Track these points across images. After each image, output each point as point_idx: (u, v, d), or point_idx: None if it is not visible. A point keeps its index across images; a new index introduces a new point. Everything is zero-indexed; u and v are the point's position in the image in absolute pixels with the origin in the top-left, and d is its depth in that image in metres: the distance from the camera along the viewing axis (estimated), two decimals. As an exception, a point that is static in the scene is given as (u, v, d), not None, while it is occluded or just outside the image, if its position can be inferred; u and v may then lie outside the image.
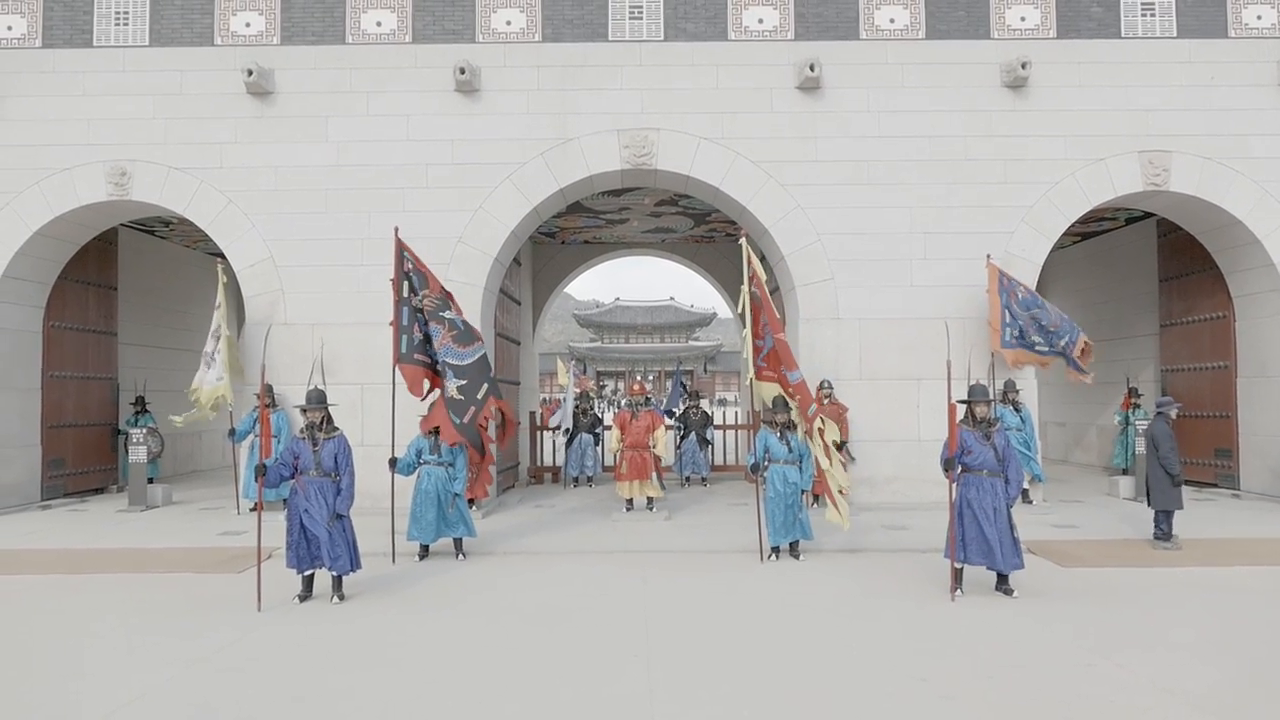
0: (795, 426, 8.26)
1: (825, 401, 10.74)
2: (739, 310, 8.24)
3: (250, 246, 11.04)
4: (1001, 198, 11.08)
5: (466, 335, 8.37)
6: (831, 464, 8.02)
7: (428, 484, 8.19)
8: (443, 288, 8.44)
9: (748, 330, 8.28)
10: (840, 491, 8.05)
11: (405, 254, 8.40)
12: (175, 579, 7.59)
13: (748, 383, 8.68)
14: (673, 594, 6.91)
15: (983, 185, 11.09)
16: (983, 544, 6.75)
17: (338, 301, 10.96)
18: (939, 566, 7.68)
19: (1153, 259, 14.46)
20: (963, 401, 7.05)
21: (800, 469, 8.24)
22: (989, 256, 10.83)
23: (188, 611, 6.49)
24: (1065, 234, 15.51)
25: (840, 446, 10.47)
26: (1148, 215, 14.31)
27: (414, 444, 8.25)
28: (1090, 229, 15.43)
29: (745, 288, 8.22)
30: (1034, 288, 11.02)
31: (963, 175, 11.07)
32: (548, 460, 15.85)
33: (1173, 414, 8.66)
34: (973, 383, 7.34)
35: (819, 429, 8.02)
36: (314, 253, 11.01)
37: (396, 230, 8.64)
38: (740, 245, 8.45)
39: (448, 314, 8.36)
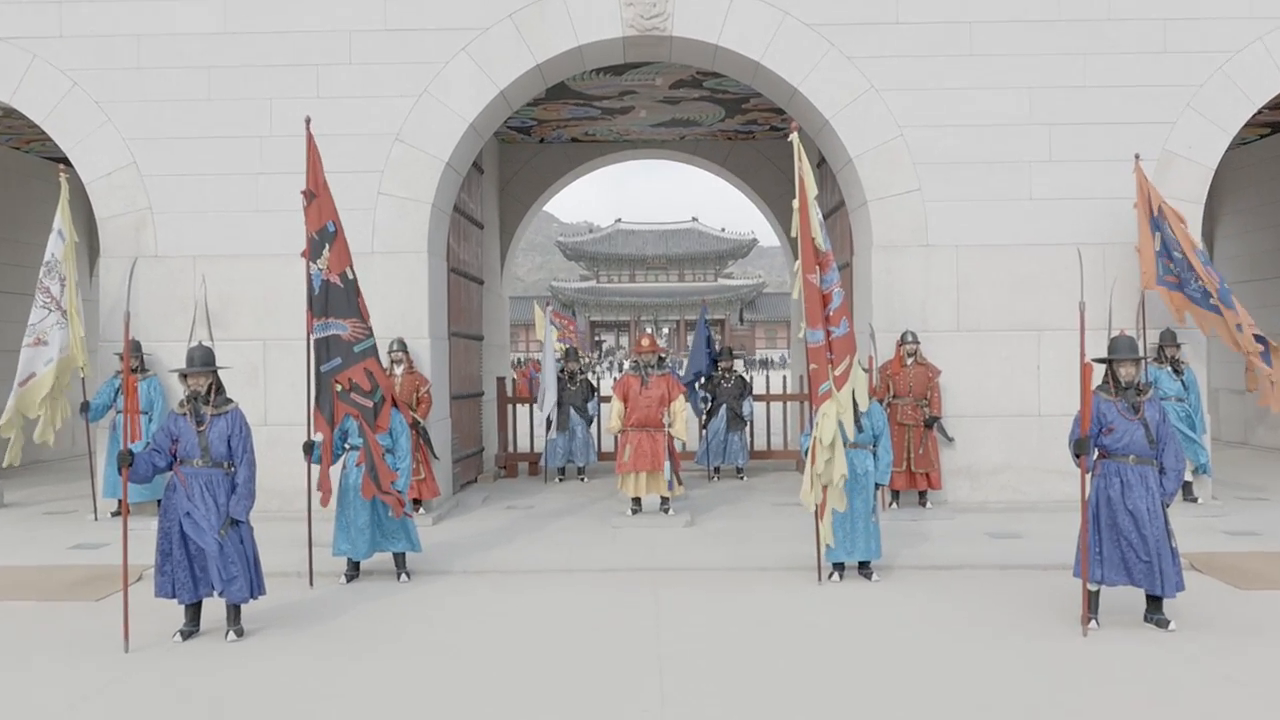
0: (870, 397, 8.31)
1: (909, 361, 10.71)
2: (792, 233, 8.15)
3: (105, 149, 10.97)
4: (1158, 73, 10.93)
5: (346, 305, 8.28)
6: (831, 458, 7.83)
7: (358, 478, 8.22)
8: (336, 216, 8.34)
9: (799, 262, 8.19)
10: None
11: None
12: (7, 610, 7.57)
13: (800, 336, 8.54)
14: (696, 630, 6.92)
15: (1132, 56, 10.94)
16: (1128, 557, 6.73)
17: (229, 225, 10.91)
18: (1066, 588, 7.66)
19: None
20: (1101, 360, 6.98)
21: (875, 454, 8.28)
22: (1138, 157, 10.69)
23: (24, 655, 6.46)
24: (1247, 125, 15.21)
25: (930, 424, 10.51)
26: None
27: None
28: (1282, 118, 15.15)
29: (796, 203, 8.15)
30: (1203, 200, 10.83)
31: (1104, 42, 10.92)
32: (523, 444, 15.88)
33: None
34: (1115, 334, 7.24)
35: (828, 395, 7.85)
36: (194, 157, 10.94)
37: (308, 123, 8.56)
38: (791, 143, 8.28)
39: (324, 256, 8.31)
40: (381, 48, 10.94)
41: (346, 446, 8.30)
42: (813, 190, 8.16)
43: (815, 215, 8.10)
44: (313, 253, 8.18)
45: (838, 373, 7.93)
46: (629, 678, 5.92)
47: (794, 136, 8.30)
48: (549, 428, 13.80)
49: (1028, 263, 10.96)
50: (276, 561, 8.32)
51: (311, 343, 8.15)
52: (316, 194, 8.25)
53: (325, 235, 8.19)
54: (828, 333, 7.93)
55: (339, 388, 8.10)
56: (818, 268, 8.02)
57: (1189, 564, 8.24)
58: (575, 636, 6.79)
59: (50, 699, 5.68)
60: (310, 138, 8.35)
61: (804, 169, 8.12)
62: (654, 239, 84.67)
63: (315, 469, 8.37)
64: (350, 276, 8.25)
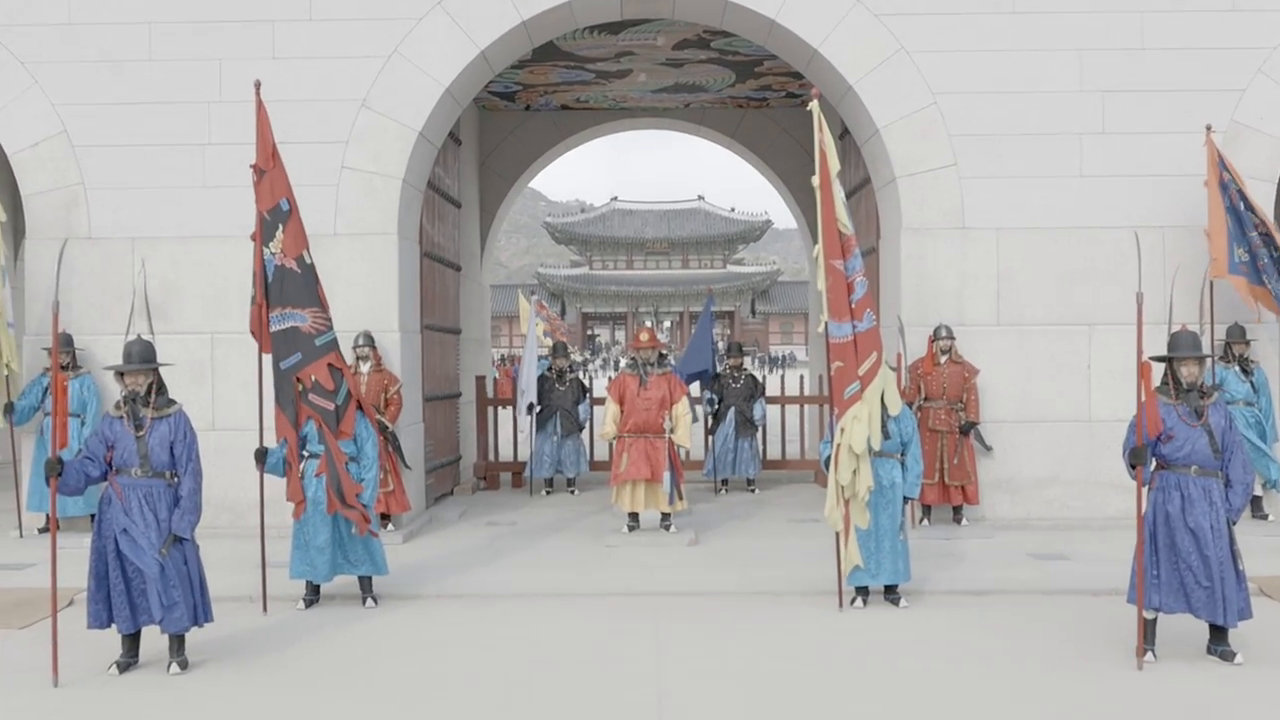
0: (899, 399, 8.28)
1: (942, 359, 10.72)
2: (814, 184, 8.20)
3: (31, 115, 10.95)
4: (1225, 35, 10.93)
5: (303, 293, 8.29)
6: (857, 468, 7.92)
7: (318, 491, 8.21)
8: (290, 193, 8.33)
9: (820, 246, 8.20)
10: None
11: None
12: (-76, 637, 7.55)
13: (820, 330, 8.56)
14: (701, 664, 6.89)
15: (1196, 15, 10.94)
16: (1187, 581, 6.73)
17: (173, 203, 10.89)
18: (1119, 616, 7.63)
19: None
20: (1161, 359, 6.97)
21: (904, 463, 8.28)
22: (1210, 129, 10.69)
23: (-58, 688, 6.46)
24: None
25: (966, 431, 10.51)
26: None
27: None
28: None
29: (816, 179, 8.18)
30: (1277, 179, 10.83)
31: (1165, -2, 10.92)
32: (505, 453, 15.86)
33: None
34: (1177, 329, 7.23)
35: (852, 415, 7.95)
36: (133, 125, 10.93)
37: (258, 88, 8.50)
38: (811, 111, 8.26)
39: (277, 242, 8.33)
40: (346, 2, 10.91)
41: (305, 454, 8.29)
42: (835, 165, 8.19)
43: (838, 193, 8.11)
44: (265, 235, 8.16)
45: (863, 371, 7.96)
46: (626, 716, 5.90)
47: (814, 104, 8.28)
48: (531, 422, 13.82)
49: (1078, 248, 10.94)
50: (226, 584, 8.27)
51: (269, 335, 8.15)
52: (268, 169, 8.24)
53: (278, 215, 8.18)
54: (853, 326, 7.96)
55: (300, 387, 8.10)
56: (840, 250, 8.02)
57: (1257, 589, 8.16)
58: (564, 670, 6.77)
59: (-31, 740, 5.69)
60: (260, 104, 8.32)
61: (826, 140, 8.12)
62: (654, 220, 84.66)
63: (273, 480, 8.35)
64: (308, 261, 8.25)
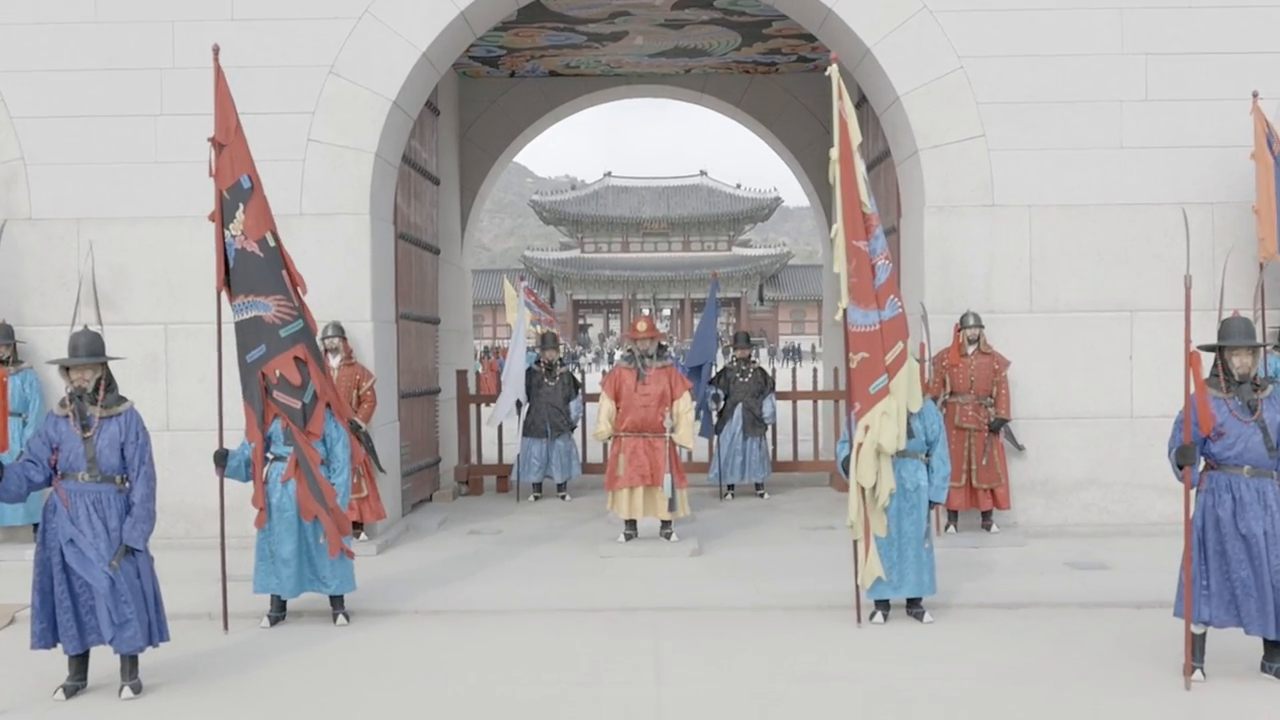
0: (923, 394, 8.34)
1: (970, 350, 10.73)
2: (830, 179, 8.19)
3: (-35, 84, 10.93)
4: (1282, -10, 10.92)
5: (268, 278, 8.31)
6: (876, 485, 7.97)
7: (282, 497, 8.24)
8: (253, 171, 8.35)
9: (839, 226, 8.19)
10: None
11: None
12: None
13: (838, 318, 8.55)
14: (705, 685, 6.89)
15: (1250, -33, 10.93)
16: (1240, 593, 6.74)
17: (122, 180, 10.89)
18: (1164, 631, 7.63)
19: None
20: (1210, 348, 6.98)
21: (929, 465, 8.32)
22: (1256, 95, 10.67)
23: None
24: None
25: (996, 429, 10.53)
26: None
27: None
28: None
29: (835, 152, 8.16)
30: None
31: (1215, -50, 10.91)
32: (489, 454, 15.88)
33: None
34: (1228, 315, 7.23)
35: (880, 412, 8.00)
36: (78, 94, 10.91)
37: (216, 53, 8.48)
38: (829, 78, 8.28)
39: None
40: (311, -42, 10.92)
41: (269, 456, 8.31)
42: (856, 136, 8.20)
43: (860, 167, 8.12)
44: (224, 215, 8.15)
45: (889, 361, 7.98)
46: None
47: (833, 69, 8.29)
48: (518, 421, 13.82)
49: (1118, 227, 10.95)
50: (183, 600, 8.28)
51: (233, 326, 8.18)
52: (227, 143, 8.23)
53: (239, 193, 8.19)
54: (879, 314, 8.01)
55: (265, 382, 8.11)
56: (864, 230, 8.05)
57: (1317, 601, 8.25)
58: (555, 694, 6.78)
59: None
60: (219, 71, 8.30)
61: (846, 109, 8.13)
62: (652, 198, 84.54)
63: (235, 485, 8.36)
64: (272, 244, 8.25)
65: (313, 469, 8.04)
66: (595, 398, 11.78)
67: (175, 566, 8.81)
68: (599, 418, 10.93)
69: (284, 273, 8.29)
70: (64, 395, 7.00)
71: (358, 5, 10.89)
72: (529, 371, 14.18)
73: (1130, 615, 8.26)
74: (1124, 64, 10.96)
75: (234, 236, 8.13)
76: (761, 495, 13.95)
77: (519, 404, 13.93)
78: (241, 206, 8.15)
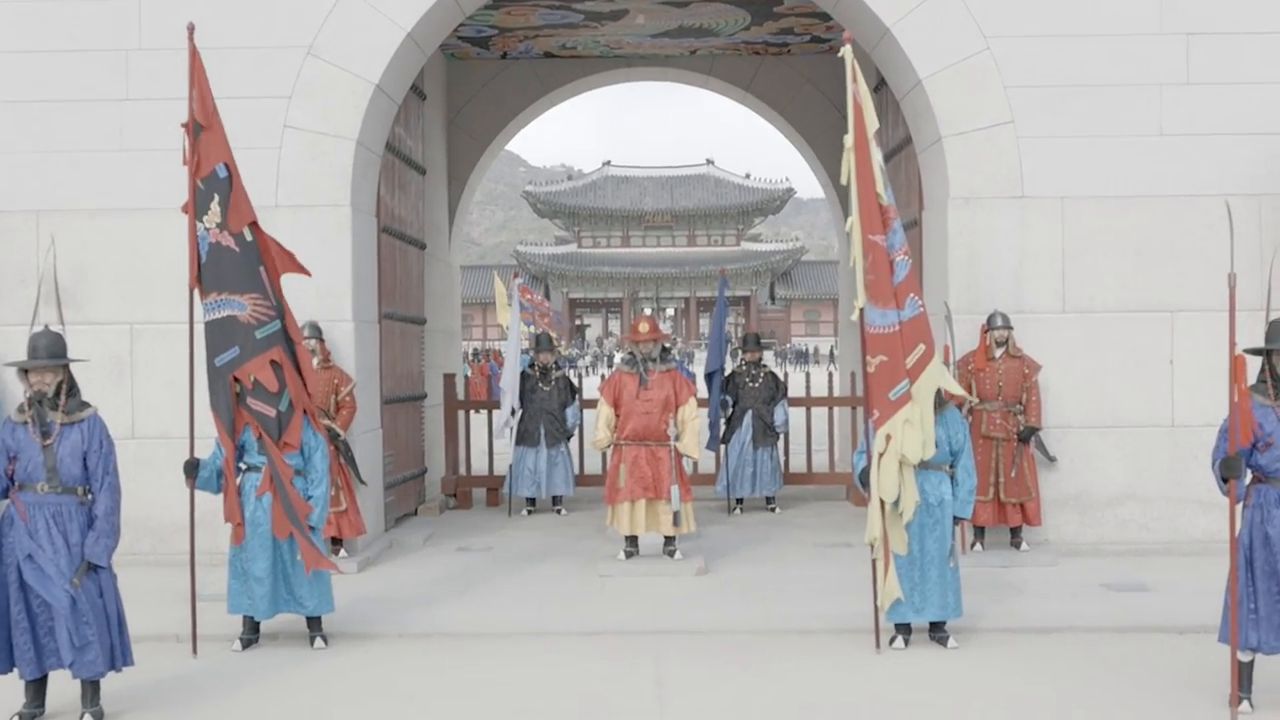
0: (946, 401, 8.37)
1: (997, 353, 10.75)
2: (843, 179, 8.18)
3: (-87, 65, 10.94)
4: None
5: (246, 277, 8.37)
6: (899, 499, 8.03)
7: (256, 510, 8.25)
8: (230, 158, 8.38)
9: (854, 219, 8.21)
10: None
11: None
12: None
13: (854, 318, 8.63)
14: (711, 717, 6.89)
15: (1301, -63, 10.94)
16: (1289, 616, 6.75)
17: (85, 169, 10.92)
18: (1209, 658, 7.58)
19: None
20: (1256, 351, 6.99)
21: (953, 477, 8.33)
22: (1302, 75, 10.77)
23: None
24: None
25: (1026, 438, 10.57)
26: None
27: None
28: None
29: (849, 139, 8.17)
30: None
31: (1264, -82, 10.91)
32: (479, 465, 15.89)
33: None
34: (1276, 316, 7.24)
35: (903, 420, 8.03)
36: (36, 76, 10.92)
37: (191, 31, 8.49)
38: (843, 59, 8.26)
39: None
40: (288, -70, 10.92)
41: (242, 467, 8.31)
42: (872, 123, 8.18)
43: (876, 156, 8.12)
44: (198, 207, 8.16)
45: (910, 364, 7.99)
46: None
47: (847, 49, 8.26)
48: (511, 430, 13.84)
49: (1158, 220, 10.94)
50: (149, 621, 8.27)
51: (202, 327, 8.18)
52: (205, 126, 8.24)
53: (215, 183, 8.18)
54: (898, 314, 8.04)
55: (238, 387, 8.12)
56: (882, 224, 8.07)
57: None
58: (550, 721, 6.81)
59: None
60: (194, 52, 8.29)
61: (861, 92, 8.11)
62: (655, 188, 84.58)
63: (206, 497, 8.36)
64: (250, 238, 8.27)
65: (285, 484, 8.05)
66: (593, 404, 11.74)
67: (141, 585, 8.80)
68: (597, 425, 10.95)
69: (262, 269, 8.31)
70: (22, 400, 6.97)
71: (338, -18, 10.93)
72: (522, 376, 14.18)
73: (1172, 641, 8.25)
74: (1163, 44, 10.94)
75: (207, 230, 8.14)
76: (773, 510, 13.94)
77: (512, 411, 13.93)
78: (217, 198, 8.15)
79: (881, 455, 8.03)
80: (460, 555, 11.47)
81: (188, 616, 8.29)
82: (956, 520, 8.32)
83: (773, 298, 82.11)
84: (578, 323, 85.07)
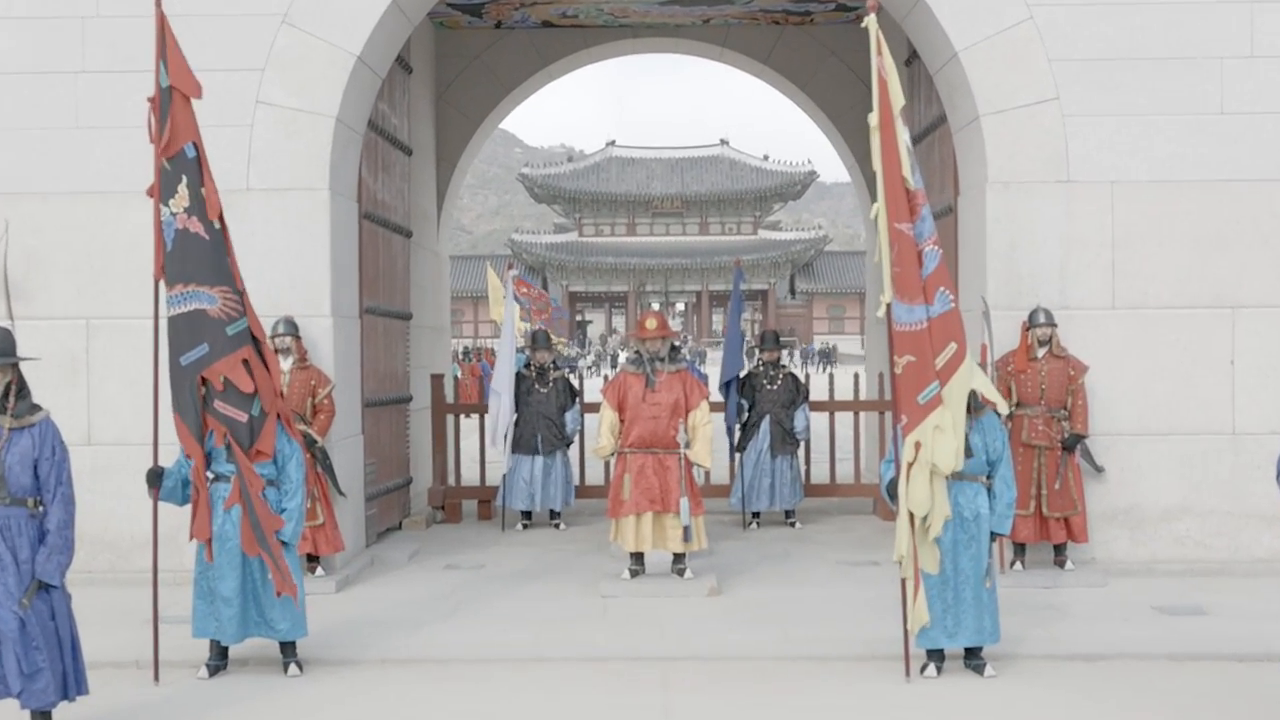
0: (983, 405, 8.36)
1: (1040, 353, 10.73)
2: (874, 165, 8.14)
3: None
4: None
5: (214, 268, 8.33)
6: (930, 510, 7.98)
7: (225, 524, 8.23)
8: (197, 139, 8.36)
9: (879, 205, 8.19)
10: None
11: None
12: None
13: (880, 315, 8.55)
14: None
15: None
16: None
17: (36, 148, 11.03)
18: (1270, 687, 7.72)
19: None
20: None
21: (991, 490, 8.31)
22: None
23: None
24: None
25: (1071, 447, 10.64)
26: None
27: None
28: None
29: (874, 118, 8.14)
30: None
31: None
32: (470, 475, 15.79)
33: None
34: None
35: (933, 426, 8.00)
36: (-16, 47, 10.97)
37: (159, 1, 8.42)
38: (867, 28, 8.28)
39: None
40: (262, -114, 10.95)
41: (209, 476, 8.27)
42: (899, 99, 8.19)
43: (903, 136, 8.14)
44: (164, 189, 8.11)
45: (940, 365, 7.96)
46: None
47: (871, 19, 8.24)
48: (506, 437, 13.78)
49: (1218, 207, 10.96)
50: (106, 645, 8.28)
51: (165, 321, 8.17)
52: (175, 93, 8.18)
53: (182, 163, 8.16)
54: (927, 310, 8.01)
55: (204, 389, 8.08)
56: (909, 212, 8.07)
57: None
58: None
59: None
60: (162, 18, 8.23)
61: (886, 66, 8.12)
62: (664, 171, 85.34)
63: (170, 509, 8.38)
64: (218, 226, 8.27)
65: (253, 497, 7.98)
66: (595, 407, 11.73)
67: (97, 606, 8.85)
68: (600, 431, 10.91)
69: (231, 259, 8.30)
70: (-33, 403, 7.01)
71: (315, -58, 10.97)
72: (517, 377, 14.11)
73: (1230, 669, 8.26)
74: (1225, 12, 10.97)
75: (174, 215, 8.11)
76: (792, 524, 13.89)
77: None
78: (185, 179, 8.14)
79: (910, 465, 7.97)
80: (449, 573, 11.47)
81: (149, 640, 8.31)
82: (994, 537, 8.31)
83: (793, 291, 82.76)
84: (578, 318, 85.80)
